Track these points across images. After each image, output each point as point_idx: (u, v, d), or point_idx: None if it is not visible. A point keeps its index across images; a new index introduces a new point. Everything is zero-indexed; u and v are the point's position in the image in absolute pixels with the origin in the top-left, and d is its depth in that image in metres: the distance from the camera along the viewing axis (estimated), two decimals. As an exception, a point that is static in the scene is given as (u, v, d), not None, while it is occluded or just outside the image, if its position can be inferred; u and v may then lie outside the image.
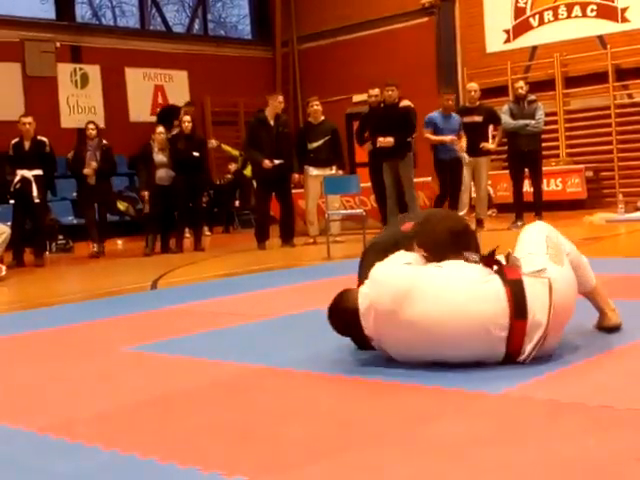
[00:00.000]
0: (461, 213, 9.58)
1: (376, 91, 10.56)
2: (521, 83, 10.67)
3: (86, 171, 10.16)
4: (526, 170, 10.50)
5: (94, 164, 10.18)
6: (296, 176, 10.50)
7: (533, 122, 10.19)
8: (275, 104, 10.21)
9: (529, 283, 3.06)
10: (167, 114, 13.78)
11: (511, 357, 3.08)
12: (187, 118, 10.61)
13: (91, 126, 10.45)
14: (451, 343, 3.05)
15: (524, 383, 2.85)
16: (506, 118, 10.29)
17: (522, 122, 10.18)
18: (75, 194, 11.92)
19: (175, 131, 10.86)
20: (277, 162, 9.94)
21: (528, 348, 3.06)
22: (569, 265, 3.22)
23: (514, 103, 10.47)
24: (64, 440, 2.57)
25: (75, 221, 12.65)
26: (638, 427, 2.32)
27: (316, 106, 10.62)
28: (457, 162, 10.33)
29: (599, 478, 1.96)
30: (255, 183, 10.73)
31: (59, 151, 10.21)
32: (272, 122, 10.14)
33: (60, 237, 11.89)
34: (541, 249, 3.20)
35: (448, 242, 3.24)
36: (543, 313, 3.04)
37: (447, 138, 10.22)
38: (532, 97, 10.50)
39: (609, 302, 3.66)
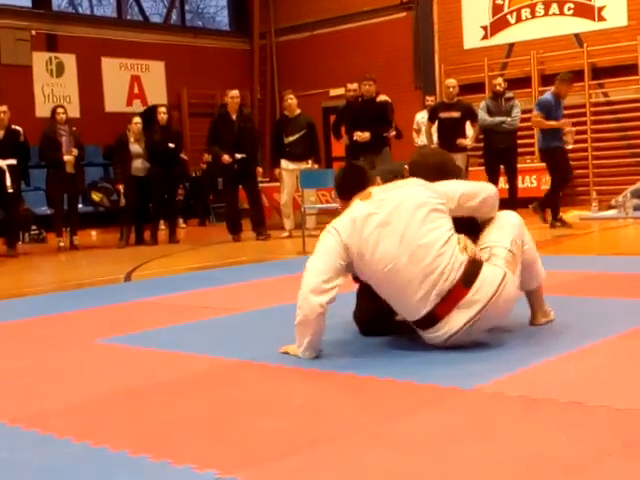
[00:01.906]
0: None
1: (354, 85, 10.56)
2: (499, 80, 10.71)
3: (67, 158, 9.86)
4: (502, 167, 10.55)
5: (75, 151, 9.91)
6: (260, 170, 10.51)
7: (509, 119, 10.24)
8: (227, 100, 10.26)
9: (487, 266, 3.30)
10: (149, 114, 13.74)
11: (432, 319, 3.25)
12: (162, 109, 10.55)
13: (61, 110, 10.06)
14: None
15: (497, 379, 2.87)
16: (483, 115, 10.33)
17: (498, 119, 10.22)
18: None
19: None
20: (238, 156, 9.98)
21: (462, 320, 3.22)
22: (518, 274, 3.41)
23: (491, 100, 10.51)
24: (35, 432, 2.56)
25: (49, 211, 12.53)
26: (609, 423, 2.35)
27: (290, 100, 10.61)
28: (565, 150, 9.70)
29: (570, 474, 1.98)
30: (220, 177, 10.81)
31: (33, 140, 10.10)
32: (234, 117, 10.16)
33: (33, 227, 11.80)
34: (503, 248, 3.39)
35: (434, 174, 3.58)
36: (486, 295, 3.23)
37: (562, 122, 9.54)
38: (510, 94, 10.55)
39: (543, 305, 3.78)
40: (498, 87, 10.46)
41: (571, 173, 9.85)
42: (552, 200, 9.69)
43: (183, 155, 12.30)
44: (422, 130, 11.73)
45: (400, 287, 3.28)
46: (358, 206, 3.44)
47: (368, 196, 3.45)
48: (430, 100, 12.16)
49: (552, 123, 9.42)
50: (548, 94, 9.73)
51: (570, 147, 9.67)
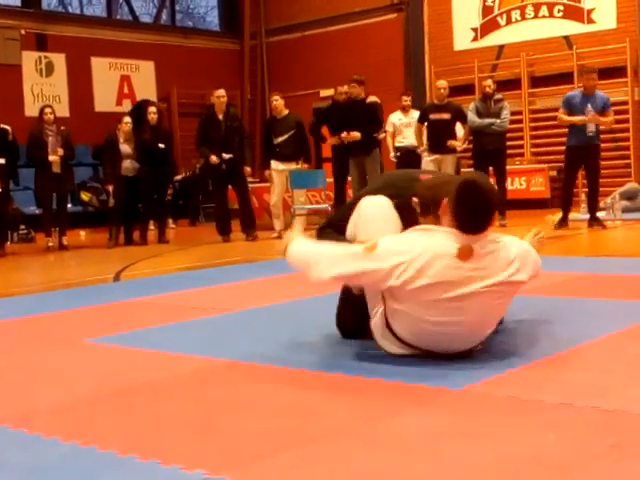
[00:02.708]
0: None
1: (345, 88, 10.59)
2: (489, 82, 10.72)
3: (53, 158, 9.80)
4: (491, 169, 10.57)
5: (61, 151, 9.86)
6: (248, 169, 10.47)
7: (498, 121, 10.26)
8: (214, 99, 10.28)
9: None
10: (138, 111, 13.71)
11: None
12: (152, 109, 10.53)
13: (48, 110, 10.01)
14: None
15: (485, 379, 2.87)
16: (472, 116, 10.34)
17: (487, 121, 10.24)
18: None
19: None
20: (227, 157, 9.98)
21: None
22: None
23: (481, 101, 10.53)
24: (23, 432, 2.55)
25: (37, 211, 12.48)
26: (596, 424, 2.35)
27: (275, 101, 10.62)
28: (593, 149, 9.30)
29: (557, 475, 1.99)
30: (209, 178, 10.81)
31: (23, 140, 10.07)
32: (221, 117, 10.17)
33: (22, 227, 11.76)
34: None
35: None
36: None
37: (577, 119, 9.15)
38: (499, 96, 10.57)
39: None
40: (488, 89, 10.47)
41: (595, 176, 9.45)
42: (562, 201, 9.73)
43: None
44: (403, 132, 11.56)
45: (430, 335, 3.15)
46: (449, 265, 2.98)
47: (469, 255, 3.00)
48: (407, 100, 11.92)
49: (568, 119, 9.24)
50: (576, 90, 9.61)
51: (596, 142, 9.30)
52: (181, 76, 15.85)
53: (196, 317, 4.59)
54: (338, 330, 3.66)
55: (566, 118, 9.31)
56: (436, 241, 3.02)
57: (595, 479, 1.96)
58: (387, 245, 3.04)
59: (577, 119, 9.19)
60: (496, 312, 3.18)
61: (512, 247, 3.13)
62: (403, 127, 11.51)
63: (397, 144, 11.63)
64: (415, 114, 11.24)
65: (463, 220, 2.99)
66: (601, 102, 9.36)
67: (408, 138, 11.41)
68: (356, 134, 10.00)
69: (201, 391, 2.98)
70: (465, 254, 2.97)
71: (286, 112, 10.62)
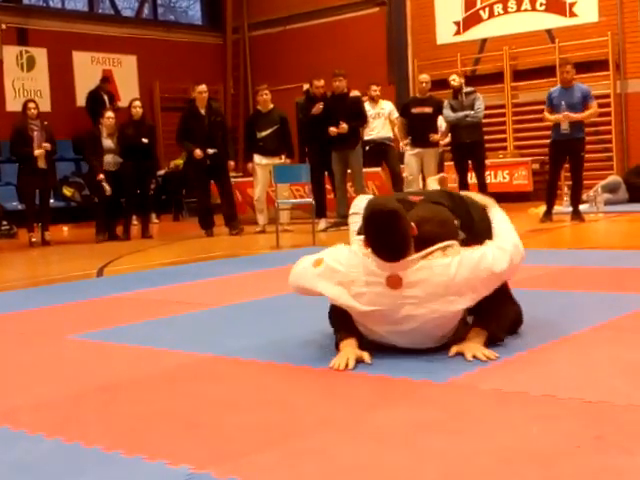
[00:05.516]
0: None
1: (322, 82, 10.55)
2: (454, 76, 10.57)
3: (38, 152, 9.70)
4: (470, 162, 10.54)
5: (47, 145, 9.77)
6: (232, 163, 10.45)
7: (472, 112, 10.14)
8: (196, 95, 10.24)
9: None
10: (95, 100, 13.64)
11: None
12: (137, 104, 10.47)
13: (32, 105, 9.89)
14: None
15: (469, 372, 2.88)
16: (447, 112, 10.22)
17: (461, 114, 10.13)
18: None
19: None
20: (211, 151, 9.96)
21: None
22: None
23: (453, 98, 10.37)
24: (7, 428, 2.54)
25: (20, 207, 12.42)
26: (580, 416, 2.37)
27: (265, 95, 10.58)
28: (575, 142, 9.24)
29: (541, 466, 2.00)
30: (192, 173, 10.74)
31: (3, 135, 9.99)
32: (203, 112, 10.13)
33: (4, 223, 11.68)
34: None
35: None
36: None
37: (555, 117, 9.19)
38: (469, 89, 10.45)
39: None
40: (453, 82, 10.33)
41: (579, 170, 9.45)
42: (546, 194, 9.74)
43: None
44: (371, 124, 11.16)
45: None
46: (381, 294, 3.05)
47: (397, 284, 3.03)
48: (376, 90, 11.61)
49: (551, 118, 9.32)
50: (557, 85, 9.61)
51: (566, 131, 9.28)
52: (163, 70, 15.78)
53: (180, 312, 4.58)
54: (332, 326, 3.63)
55: (548, 116, 9.37)
56: (367, 267, 3.05)
57: (579, 470, 1.97)
58: (330, 263, 3.16)
59: (555, 117, 9.22)
60: (437, 331, 3.15)
61: (458, 272, 3.03)
62: (371, 119, 11.18)
63: (366, 137, 11.10)
64: (385, 105, 11.18)
65: (376, 251, 3.03)
66: (580, 95, 9.39)
67: (376, 130, 11.21)
68: (344, 126, 9.95)
69: (186, 386, 2.98)
70: (394, 283, 3.01)
71: (271, 107, 10.60)
